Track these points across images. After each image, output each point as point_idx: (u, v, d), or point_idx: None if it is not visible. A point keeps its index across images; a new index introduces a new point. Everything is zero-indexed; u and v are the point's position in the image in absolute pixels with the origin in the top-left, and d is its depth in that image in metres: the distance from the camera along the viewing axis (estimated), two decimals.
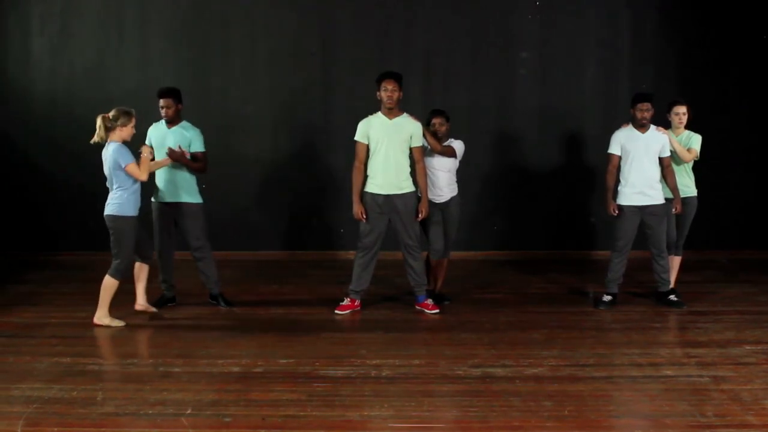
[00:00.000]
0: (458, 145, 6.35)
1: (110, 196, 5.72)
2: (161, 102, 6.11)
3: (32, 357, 5.01)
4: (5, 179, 8.56)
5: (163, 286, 6.33)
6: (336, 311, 6.18)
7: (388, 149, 6.00)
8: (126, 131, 5.67)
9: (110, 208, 5.69)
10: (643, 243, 6.40)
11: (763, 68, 8.46)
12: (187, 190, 6.17)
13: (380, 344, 5.33)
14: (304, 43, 8.53)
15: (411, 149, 6.08)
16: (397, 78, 6.01)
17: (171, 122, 6.16)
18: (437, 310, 6.18)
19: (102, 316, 5.76)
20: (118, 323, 5.78)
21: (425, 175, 6.16)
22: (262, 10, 8.52)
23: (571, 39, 8.52)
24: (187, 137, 6.13)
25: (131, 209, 5.69)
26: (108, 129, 5.62)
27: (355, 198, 6.12)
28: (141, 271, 6.05)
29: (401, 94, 6.05)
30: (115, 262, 5.73)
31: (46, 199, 8.59)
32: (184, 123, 6.21)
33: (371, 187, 6.10)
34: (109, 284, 5.73)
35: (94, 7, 8.49)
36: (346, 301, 6.24)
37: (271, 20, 8.53)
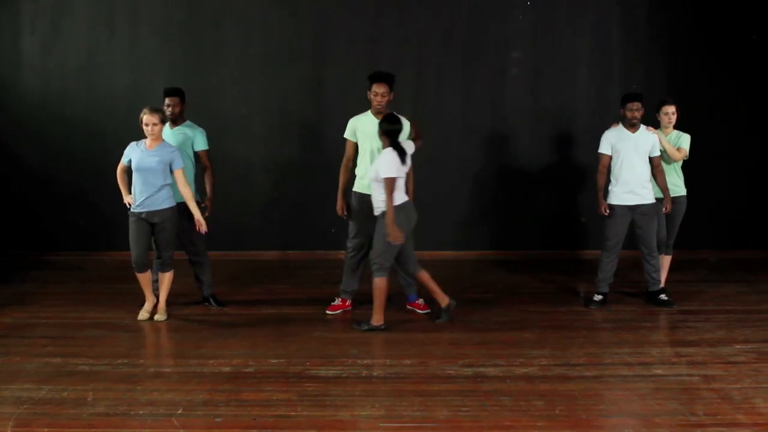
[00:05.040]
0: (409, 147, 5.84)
1: (158, 192, 5.75)
2: (167, 101, 6.13)
3: (22, 357, 4.99)
4: None
5: (155, 286, 6.31)
6: (327, 311, 6.18)
7: (375, 149, 5.97)
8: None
9: (168, 201, 5.81)
10: (633, 242, 6.42)
11: (751, 68, 8.49)
12: (196, 189, 6.19)
13: (371, 344, 5.34)
14: (297, 43, 8.51)
15: None
16: (388, 80, 5.94)
17: (174, 122, 6.17)
18: (428, 310, 6.18)
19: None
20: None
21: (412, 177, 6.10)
22: (255, 9, 8.49)
23: (563, 39, 8.52)
24: (190, 136, 6.17)
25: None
26: None
27: (339, 194, 6.11)
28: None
29: (392, 96, 5.99)
30: (169, 254, 5.93)
31: (37, 198, 8.53)
32: (187, 123, 6.25)
33: (359, 187, 6.08)
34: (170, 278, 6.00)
35: (85, 6, 8.44)
36: (337, 301, 6.24)
37: (264, 20, 8.50)
